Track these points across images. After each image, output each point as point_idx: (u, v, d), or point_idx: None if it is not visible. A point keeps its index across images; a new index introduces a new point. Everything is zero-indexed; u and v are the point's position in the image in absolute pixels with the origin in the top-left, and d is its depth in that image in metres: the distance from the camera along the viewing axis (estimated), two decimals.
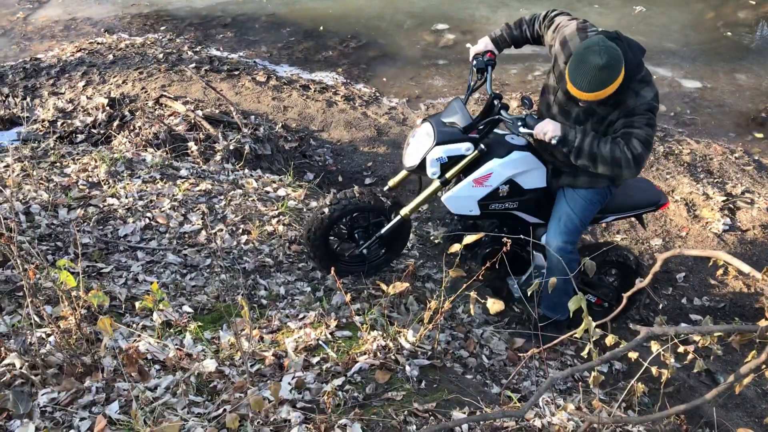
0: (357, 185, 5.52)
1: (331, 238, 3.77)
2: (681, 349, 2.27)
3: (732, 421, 3.41)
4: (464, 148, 3.41)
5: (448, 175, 3.46)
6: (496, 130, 3.57)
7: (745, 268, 2.21)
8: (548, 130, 3.14)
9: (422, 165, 3.48)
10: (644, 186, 3.89)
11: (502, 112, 3.36)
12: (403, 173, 3.73)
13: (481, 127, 3.44)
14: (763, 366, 2.14)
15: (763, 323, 2.01)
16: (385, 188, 3.75)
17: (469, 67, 3.59)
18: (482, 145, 3.39)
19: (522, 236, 3.03)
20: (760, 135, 6.63)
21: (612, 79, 2.91)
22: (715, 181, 5.66)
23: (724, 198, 5.31)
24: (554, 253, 3.38)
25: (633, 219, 4.00)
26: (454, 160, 3.44)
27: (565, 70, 3.07)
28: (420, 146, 3.50)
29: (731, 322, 4.09)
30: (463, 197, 3.52)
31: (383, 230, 3.68)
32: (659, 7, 9.57)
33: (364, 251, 3.75)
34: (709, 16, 9.48)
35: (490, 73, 3.50)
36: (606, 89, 2.93)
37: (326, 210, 3.57)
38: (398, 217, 3.63)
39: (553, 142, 3.12)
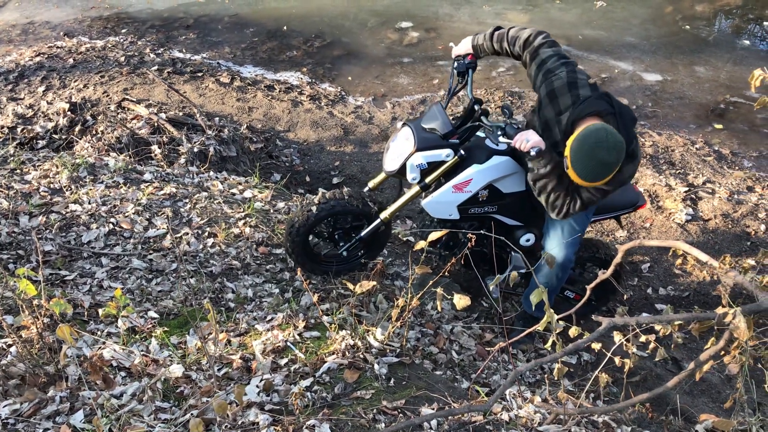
0: (324, 185, 5.56)
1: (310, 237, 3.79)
2: (643, 338, 2.31)
3: (697, 407, 3.47)
4: (444, 154, 3.39)
5: (428, 180, 3.46)
6: (478, 134, 3.57)
7: (703, 257, 2.26)
8: (530, 139, 3.03)
9: (402, 170, 3.48)
10: (623, 187, 3.92)
11: (483, 118, 3.36)
12: (382, 175, 3.74)
13: (460, 131, 3.44)
14: (722, 352, 2.19)
15: (720, 311, 2.05)
16: (365, 189, 3.76)
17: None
18: (462, 151, 3.38)
19: (502, 237, 3.04)
20: (719, 126, 6.76)
21: (612, 170, 2.86)
22: (677, 172, 5.75)
23: (686, 188, 5.41)
24: (560, 263, 3.42)
25: (620, 222, 4.05)
26: (433, 165, 3.43)
27: (554, 126, 3.11)
28: (400, 151, 3.49)
29: (693, 310, 4.17)
30: (442, 202, 3.52)
31: (363, 233, 3.69)
32: (620, 2, 9.72)
33: (344, 253, 3.76)
34: (668, 10, 9.64)
35: (470, 76, 3.48)
36: (605, 179, 2.91)
37: (314, 208, 3.58)
38: (378, 220, 3.63)
39: (532, 153, 3.03)
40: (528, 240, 3.69)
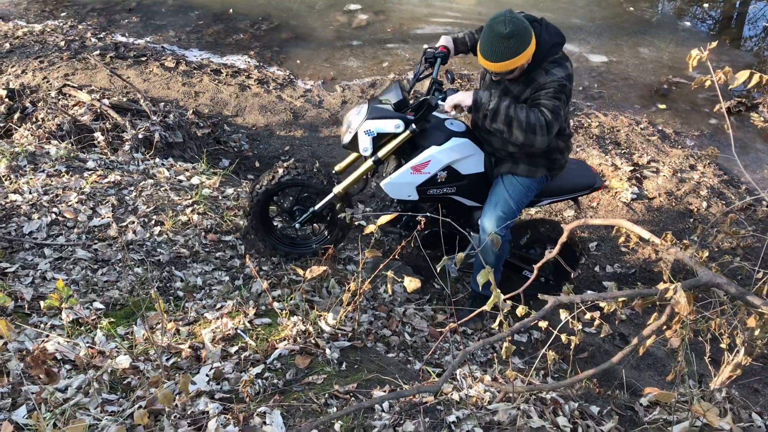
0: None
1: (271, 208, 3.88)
2: (588, 315, 2.35)
3: (644, 381, 3.57)
4: (394, 125, 3.43)
5: (380, 154, 3.51)
6: (437, 115, 3.63)
7: (645, 234, 2.31)
8: (458, 99, 3.24)
9: (355, 141, 3.52)
10: (579, 168, 3.98)
11: (436, 93, 3.41)
12: (349, 158, 3.80)
13: (415, 106, 3.49)
14: (664, 327, 2.25)
15: (661, 287, 2.10)
16: (333, 172, 3.81)
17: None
18: (414, 126, 3.41)
19: (456, 220, 3.05)
20: (663, 106, 6.92)
21: (517, 49, 3.00)
22: (623, 152, 5.87)
23: (632, 168, 5.52)
24: (486, 236, 3.45)
25: (578, 202, 4.11)
26: (385, 137, 3.48)
27: None
28: (353, 122, 3.55)
29: (637, 287, 4.27)
30: (401, 183, 3.57)
31: (317, 206, 3.72)
32: None
33: (297, 226, 3.81)
34: None
35: (438, 63, 3.54)
36: (512, 60, 3.02)
37: (280, 170, 3.65)
38: (332, 194, 3.66)
39: (465, 111, 3.23)
40: None
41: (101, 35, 7.72)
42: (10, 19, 8.24)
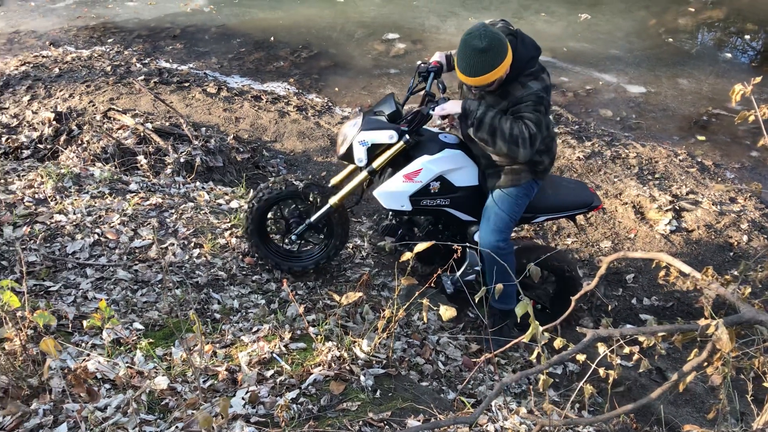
0: None
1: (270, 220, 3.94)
2: (627, 350, 2.32)
3: (681, 418, 3.50)
4: (387, 135, 3.49)
5: (375, 165, 3.56)
6: (430, 129, 3.69)
7: (686, 268, 2.28)
8: (447, 107, 3.30)
9: (350, 153, 3.58)
10: (577, 187, 3.97)
11: (429, 104, 3.46)
12: (345, 171, 3.86)
13: (409, 118, 3.54)
14: (705, 363, 2.21)
15: (702, 322, 2.07)
16: (329, 185, 3.85)
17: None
18: (407, 136, 3.47)
19: (452, 234, 3.05)
20: (702, 138, 6.84)
21: (494, 62, 3.04)
22: (661, 183, 5.81)
23: (670, 199, 5.46)
24: (488, 251, 3.47)
25: (577, 220, 4.07)
26: (378, 147, 3.53)
27: None
28: (348, 135, 3.62)
29: (677, 321, 4.20)
30: (393, 192, 3.61)
31: (313, 217, 3.77)
32: (604, 15, 9.82)
33: (293, 237, 3.84)
34: (651, 23, 9.75)
35: (431, 78, 3.59)
36: (488, 74, 3.07)
37: (282, 186, 3.74)
38: (327, 205, 3.71)
39: (456, 119, 3.35)
40: None
41: (146, 61, 7.93)
42: (60, 45, 8.52)
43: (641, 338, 2.32)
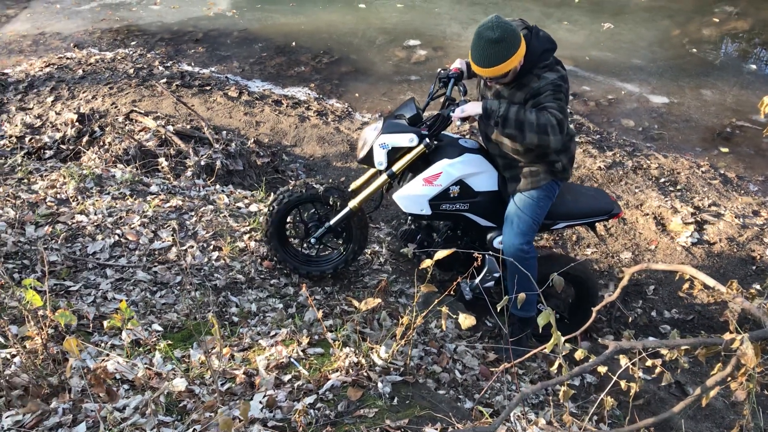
0: None
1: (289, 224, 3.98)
2: (649, 362, 2.30)
3: None
4: (408, 138, 3.50)
5: (395, 168, 3.57)
6: (450, 134, 3.70)
7: (710, 281, 2.25)
8: (467, 109, 3.29)
9: (370, 156, 3.59)
10: (596, 194, 3.95)
11: (450, 107, 3.47)
12: (365, 176, 3.88)
13: (429, 122, 3.55)
14: (729, 378, 2.18)
15: (727, 336, 2.04)
16: (348, 190, 3.86)
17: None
18: (427, 140, 3.48)
19: (472, 240, 3.03)
20: (725, 149, 6.77)
21: (507, 52, 3.06)
22: (683, 195, 5.75)
23: (692, 211, 5.40)
24: (512, 255, 3.46)
25: (597, 229, 4.04)
26: (399, 151, 3.54)
27: None
28: (368, 138, 3.63)
29: (699, 334, 4.15)
30: (413, 196, 3.60)
31: (333, 220, 3.78)
32: (627, 24, 9.77)
33: (312, 241, 3.85)
34: (675, 33, 9.68)
35: (452, 83, 3.60)
36: (502, 64, 3.09)
37: (303, 189, 3.75)
38: (347, 208, 3.72)
39: (476, 119, 3.33)
40: (501, 242, 3.71)
41: (168, 64, 7.99)
42: (84, 47, 8.61)
43: (664, 351, 2.29)
